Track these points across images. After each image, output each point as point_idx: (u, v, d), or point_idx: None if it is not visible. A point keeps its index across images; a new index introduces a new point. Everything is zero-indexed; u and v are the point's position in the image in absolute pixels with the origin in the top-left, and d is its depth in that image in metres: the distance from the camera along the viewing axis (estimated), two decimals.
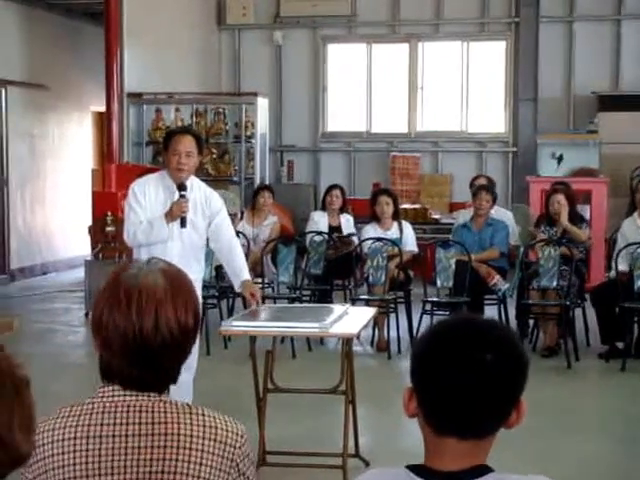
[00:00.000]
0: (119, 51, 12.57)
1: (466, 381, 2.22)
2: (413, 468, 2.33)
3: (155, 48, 14.14)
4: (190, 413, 2.59)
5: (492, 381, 2.22)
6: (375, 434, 7.29)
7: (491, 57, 16.53)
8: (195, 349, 6.65)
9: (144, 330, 2.50)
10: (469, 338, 2.28)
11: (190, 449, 2.53)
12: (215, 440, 2.56)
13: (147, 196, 6.52)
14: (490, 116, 16.54)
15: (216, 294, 10.35)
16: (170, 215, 6.44)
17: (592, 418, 8.00)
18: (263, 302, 9.90)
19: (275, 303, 9.93)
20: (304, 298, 10.48)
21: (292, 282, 10.42)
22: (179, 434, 2.54)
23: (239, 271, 6.88)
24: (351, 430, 6.30)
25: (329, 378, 6.55)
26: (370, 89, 16.70)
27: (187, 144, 6.53)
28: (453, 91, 16.53)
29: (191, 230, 6.58)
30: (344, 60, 16.89)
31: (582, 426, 7.67)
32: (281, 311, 7.40)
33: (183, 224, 6.47)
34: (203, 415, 2.60)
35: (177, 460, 2.52)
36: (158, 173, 6.78)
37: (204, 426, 2.57)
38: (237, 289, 7.01)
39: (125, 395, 2.57)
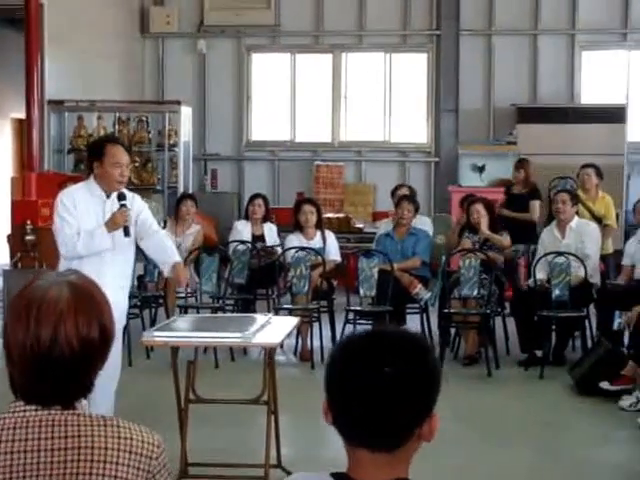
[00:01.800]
0: (40, 58, 12.38)
1: (367, 394, 2.23)
2: (336, 475, 2.33)
3: (77, 55, 14.03)
4: (104, 425, 2.55)
5: (394, 394, 2.23)
6: (298, 444, 7.29)
7: (413, 68, 16.63)
8: (118, 360, 6.61)
9: (41, 343, 2.46)
10: (371, 352, 2.29)
11: (105, 462, 2.49)
12: (130, 452, 2.52)
13: (77, 206, 6.44)
14: (412, 126, 16.64)
15: (138, 304, 10.27)
16: (113, 224, 6.40)
17: (512, 425, 8.05)
18: (186, 311, 9.94)
19: (198, 313, 9.91)
20: (227, 307, 10.44)
21: (215, 291, 10.38)
22: (92, 447, 2.50)
23: (172, 254, 6.92)
24: (273, 440, 6.27)
25: (252, 388, 6.57)
26: (294, 98, 16.76)
27: (126, 156, 6.56)
28: (376, 101, 16.61)
29: (129, 238, 6.58)
30: (268, 69, 16.89)
31: (502, 433, 7.76)
32: (204, 321, 7.39)
33: (127, 233, 6.46)
34: (118, 427, 2.56)
35: (91, 474, 2.48)
36: (84, 183, 6.71)
37: (119, 438, 2.53)
38: (167, 274, 7.10)
39: (37, 410, 2.53)
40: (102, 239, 6.39)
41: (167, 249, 6.96)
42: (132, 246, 6.79)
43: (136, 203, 6.73)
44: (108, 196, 6.52)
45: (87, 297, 2.58)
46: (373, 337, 2.40)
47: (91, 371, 2.60)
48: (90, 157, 6.77)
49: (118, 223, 6.41)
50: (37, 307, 2.50)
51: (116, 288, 6.45)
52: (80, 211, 6.43)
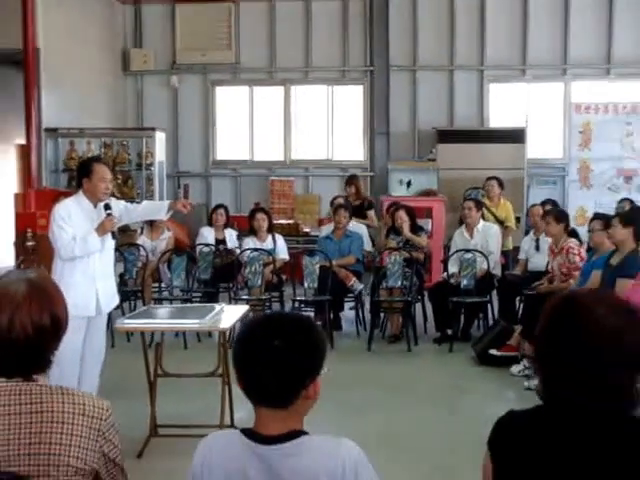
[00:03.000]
0: (37, 92, 12.47)
1: (262, 362, 2.40)
2: (244, 431, 2.49)
3: (69, 90, 14.00)
4: (62, 394, 2.63)
5: (282, 362, 2.40)
6: (247, 408, 7.22)
7: (351, 98, 16.56)
8: (103, 344, 6.75)
9: (1, 328, 2.55)
10: (265, 329, 2.47)
11: (62, 423, 2.57)
12: (83, 414, 2.61)
13: (71, 216, 6.46)
14: (351, 147, 16.57)
15: (120, 296, 10.26)
16: (102, 230, 6.44)
17: (426, 390, 8.16)
18: (160, 302, 10.00)
19: (171, 303, 9.87)
20: (195, 299, 10.43)
21: (184, 286, 10.39)
22: (52, 411, 2.58)
23: (160, 204, 7.12)
24: (227, 406, 6.38)
25: (212, 364, 6.60)
26: (252, 124, 16.70)
27: (109, 173, 6.59)
28: (321, 126, 16.59)
29: (111, 240, 6.66)
30: (230, 100, 16.81)
31: (418, 396, 7.89)
32: (170, 310, 7.33)
33: (114, 236, 6.61)
34: (73, 395, 2.64)
35: (52, 432, 2.56)
36: (74, 196, 6.68)
37: (74, 403, 2.61)
38: (167, 214, 7.11)
39: (7, 382, 2.60)
40: (94, 243, 6.42)
41: (155, 204, 6.97)
42: (112, 243, 6.84)
43: (115, 204, 6.74)
44: (95, 206, 6.54)
45: (41, 291, 2.64)
46: (267, 319, 2.61)
47: (46, 350, 2.66)
48: (80, 174, 6.71)
49: (107, 229, 6.47)
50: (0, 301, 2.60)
51: (104, 278, 6.61)
52: (73, 220, 6.44)
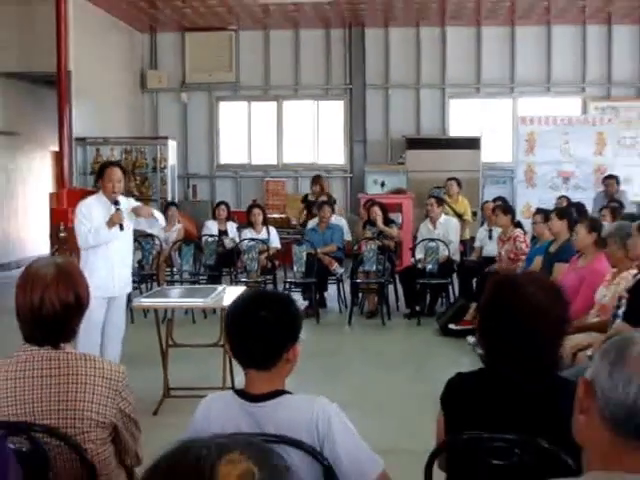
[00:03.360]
0: (68, 108, 12.47)
1: (250, 330, 2.42)
2: (237, 392, 2.51)
3: (95, 105, 14.00)
4: (86, 360, 2.67)
5: (267, 330, 2.42)
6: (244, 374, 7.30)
7: (333, 112, 16.56)
8: (123, 319, 6.67)
9: (33, 305, 2.60)
10: (252, 303, 2.49)
11: (85, 384, 2.61)
12: (103, 377, 2.65)
13: (91, 211, 6.42)
14: (333, 152, 16.57)
15: (138, 279, 10.18)
16: (111, 223, 6.37)
17: (397, 357, 8.20)
18: (172, 284, 9.95)
19: (181, 285, 9.87)
20: (201, 281, 10.35)
21: (192, 270, 10.39)
22: (77, 374, 2.62)
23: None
24: (228, 371, 6.38)
25: (216, 337, 6.59)
26: (250, 133, 16.67)
27: (118, 174, 6.48)
28: (308, 135, 16.57)
29: (127, 231, 6.54)
30: (231, 113, 16.79)
31: (390, 362, 7.92)
32: (182, 291, 7.34)
33: (122, 228, 6.44)
34: (94, 361, 2.69)
35: (77, 392, 2.60)
36: (95, 195, 6.63)
37: (95, 368, 2.65)
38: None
39: (40, 350, 2.65)
40: (105, 233, 6.34)
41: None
42: (131, 235, 6.74)
43: (129, 203, 6.65)
44: (111, 202, 6.46)
45: (67, 274, 2.68)
46: (254, 295, 2.66)
47: (71, 324, 2.70)
48: (96, 177, 6.74)
49: (114, 222, 6.36)
50: (31, 280, 2.64)
51: (121, 265, 6.52)
52: (93, 214, 6.37)
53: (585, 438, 1.67)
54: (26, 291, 2.64)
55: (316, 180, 12.61)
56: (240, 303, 2.56)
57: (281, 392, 2.50)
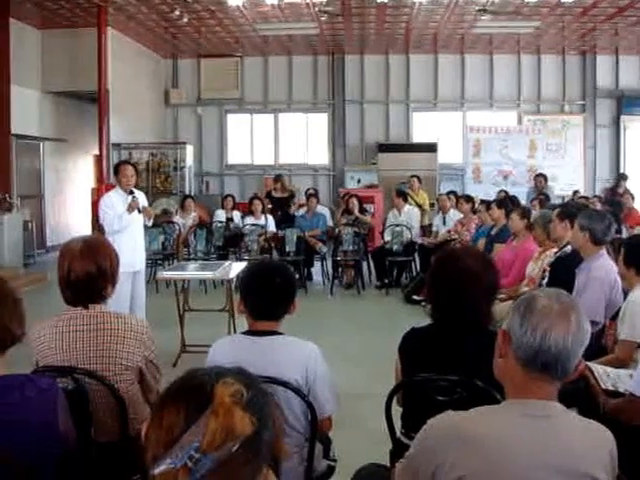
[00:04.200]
0: (106, 119, 12.39)
1: (269, 291, 2.49)
2: (245, 332, 2.58)
3: (128, 117, 13.90)
4: (117, 317, 2.68)
5: (282, 291, 2.50)
6: None
7: (319, 122, 16.48)
8: (144, 291, 6.52)
9: (64, 272, 2.62)
10: (268, 270, 2.56)
11: (117, 336, 2.63)
12: (131, 330, 2.67)
13: (112, 202, 6.38)
14: (320, 155, 16.48)
15: (162, 257, 10.31)
16: (130, 209, 6.35)
17: (369, 320, 8.19)
18: (188, 261, 9.85)
19: (195, 262, 9.74)
20: (212, 259, 10.12)
21: (205, 250, 10.33)
22: (111, 328, 2.64)
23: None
24: (233, 331, 6.33)
25: (223, 303, 6.65)
26: (252, 139, 16.59)
27: (131, 170, 6.45)
28: (299, 140, 16.49)
29: (140, 219, 6.52)
30: (237, 123, 16.68)
31: (363, 324, 7.94)
32: (196, 266, 7.23)
33: (139, 211, 6.42)
34: (124, 317, 2.70)
35: (109, 342, 2.62)
36: (114, 189, 6.57)
37: (124, 323, 2.67)
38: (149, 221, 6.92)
39: (79, 310, 2.67)
40: (126, 218, 6.30)
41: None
42: (142, 228, 6.67)
43: (141, 195, 6.60)
44: (127, 193, 6.42)
45: (91, 247, 2.69)
46: (266, 264, 2.73)
47: (96, 288, 2.68)
48: (114, 174, 6.63)
49: (133, 208, 6.35)
50: (64, 254, 2.66)
51: (140, 245, 6.53)
52: (115, 205, 6.33)
53: (503, 376, 1.73)
54: (60, 262, 2.66)
55: (277, 179, 12.45)
56: (257, 271, 2.61)
57: (279, 333, 2.56)
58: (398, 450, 2.42)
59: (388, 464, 2.60)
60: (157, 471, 1.14)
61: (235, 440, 1.17)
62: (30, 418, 1.95)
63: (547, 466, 1.56)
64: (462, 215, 9.91)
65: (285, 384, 2.39)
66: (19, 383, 1.98)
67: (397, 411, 2.62)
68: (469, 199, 9.98)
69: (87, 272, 2.64)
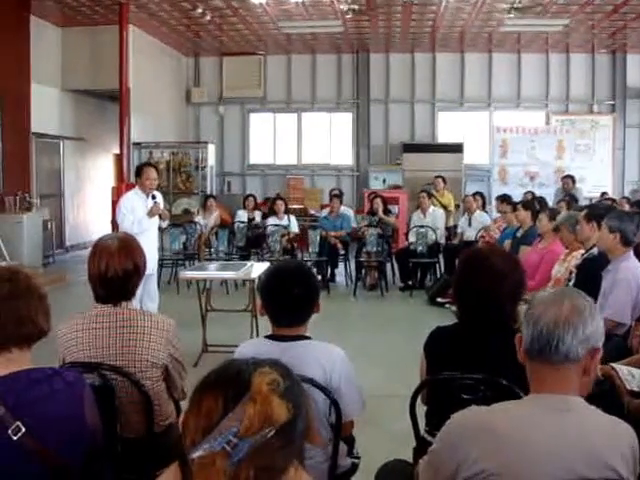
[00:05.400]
0: (127, 118, 12.47)
1: (287, 303, 2.49)
2: (268, 336, 2.57)
3: (149, 116, 14.04)
4: (144, 315, 2.74)
5: (301, 303, 2.50)
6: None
7: (344, 121, 16.50)
8: (156, 291, 6.52)
9: (100, 270, 2.66)
10: (285, 279, 2.52)
11: (143, 333, 2.68)
12: (157, 328, 2.72)
13: (132, 204, 6.43)
14: (344, 155, 16.50)
15: (183, 257, 10.36)
16: (151, 214, 6.41)
17: (392, 321, 8.20)
18: (210, 261, 9.89)
19: (218, 262, 9.78)
20: (233, 259, 10.25)
21: (226, 250, 10.37)
22: (137, 325, 2.69)
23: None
24: (255, 332, 6.28)
25: (246, 304, 6.67)
26: (275, 139, 16.64)
27: (154, 173, 6.49)
28: (322, 140, 16.52)
29: (156, 221, 6.58)
30: (259, 122, 16.76)
31: (387, 325, 7.95)
32: (218, 266, 7.29)
33: (161, 217, 6.51)
34: (151, 315, 2.77)
35: (136, 340, 2.68)
36: (134, 189, 6.61)
37: (151, 321, 2.72)
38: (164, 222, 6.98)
39: (107, 306, 2.71)
40: (145, 222, 6.36)
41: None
42: (157, 229, 6.73)
43: (159, 198, 6.60)
44: (147, 196, 6.47)
45: (127, 245, 2.75)
46: (285, 273, 2.62)
47: (130, 285, 2.75)
48: (136, 175, 6.66)
49: (154, 213, 6.41)
50: (99, 251, 2.71)
51: (155, 248, 6.58)
52: (132, 206, 6.37)
53: (529, 377, 1.79)
54: (95, 259, 2.70)
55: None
56: (275, 280, 2.57)
57: (307, 337, 2.57)
58: (422, 448, 2.45)
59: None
60: (196, 455, 1.21)
61: (272, 426, 1.24)
62: (59, 412, 1.95)
63: (570, 458, 1.61)
64: (490, 217, 9.84)
65: (311, 380, 2.42)
66: (47, 376, 1.98)
67: (421, 409, 2.65)
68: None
69: (125, 269, 2.69)
